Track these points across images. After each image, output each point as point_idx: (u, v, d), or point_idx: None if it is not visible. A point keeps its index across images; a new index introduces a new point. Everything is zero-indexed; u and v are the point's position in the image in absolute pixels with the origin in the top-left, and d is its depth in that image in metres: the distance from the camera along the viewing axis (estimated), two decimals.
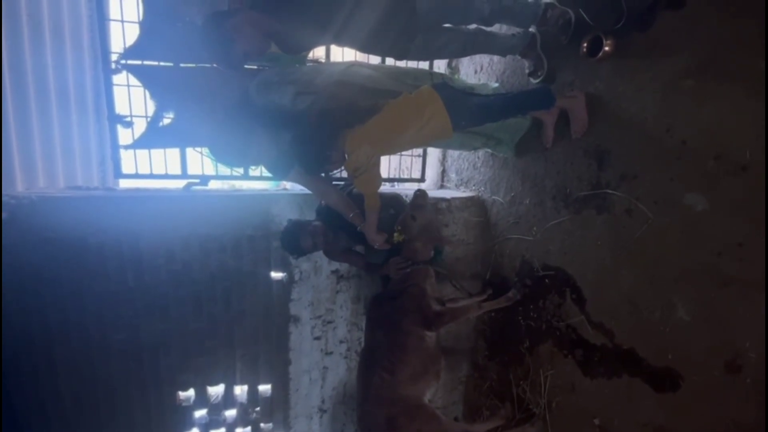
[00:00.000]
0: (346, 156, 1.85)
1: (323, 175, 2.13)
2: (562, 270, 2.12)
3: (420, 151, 3.19)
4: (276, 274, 2.64)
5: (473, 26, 2.00)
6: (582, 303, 2.02)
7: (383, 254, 2.27)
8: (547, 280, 2.22)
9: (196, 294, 2.48)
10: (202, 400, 2.61)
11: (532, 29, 2.11)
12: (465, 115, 1.84)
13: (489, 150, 2.43)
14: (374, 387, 2.00)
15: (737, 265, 1.43)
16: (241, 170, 2.69)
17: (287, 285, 2.63)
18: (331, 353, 2.82)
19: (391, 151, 2.08)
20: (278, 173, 2.13)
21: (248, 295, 2.57)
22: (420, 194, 2.16)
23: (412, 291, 2.08)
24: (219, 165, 2.78)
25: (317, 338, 2.77)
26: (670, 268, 1.63)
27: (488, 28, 2.05)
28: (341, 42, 1.86)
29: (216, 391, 2.68)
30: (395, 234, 2.10)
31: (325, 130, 1.79)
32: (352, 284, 2.75)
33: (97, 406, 2.42)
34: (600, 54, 1.77)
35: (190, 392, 2.62)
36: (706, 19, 1.49)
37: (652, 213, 1.67)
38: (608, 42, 1.73)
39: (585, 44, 1.82)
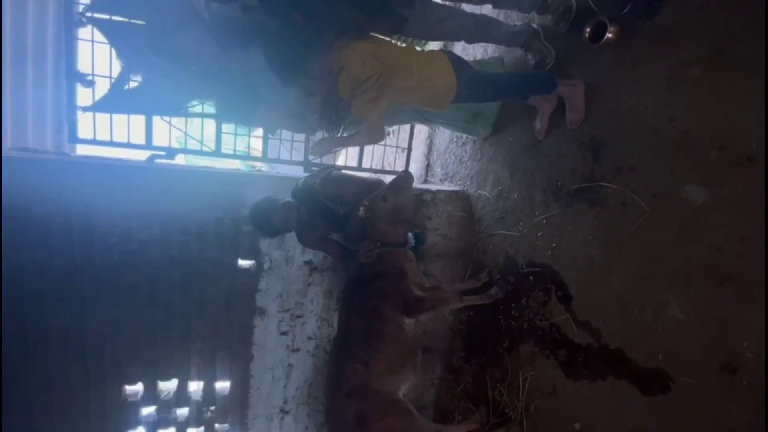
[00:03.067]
0: (342, 68, 1.59)
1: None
2: (548, 266, 2.03)
3: (405, 144, 3.09)
4: (243, 262, 2.45)
5: (476, 11, 1.92)
6: (568, 301, 1.93)
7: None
8: (531, 278, 2.13)
9: (152, 278, 2.27)
10: (151, 395, 2.37)
11: (534, 25, 2.04)
12: (469, 82, 1.73)
13: (469, 128, 2.35)
14: (346, 379, 1.84)
15: (737, 261, 1.37)
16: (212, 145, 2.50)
17: (255, 274, 2.45)
18: (297, 350, 2.63)
19: (390, 91, 1.74)
20: (241, 115, 1.96)
21: (211, 283, 2.37)
22: (404, 176, 2.01)
23: (392, 272, 1.93)
24: (189, 138, 2.59)
25: (284, 333, 2.59)
26: (665, 264, 1.56)
27: (491, 13, 1.97)
28: None
29: (167, 386, 2.45)
30: (360, 208, 1.96)
31: (314, 30, 1.52)
32: (325, 277, 2.59)
33: (29, 397, 2.15)
34: (602, 41, 1.71)
35: (138, 386, 2.38)
36: (714, 8, 1.46)
37: (649, 206, 1.60)
38: (612, 29, 1.68)
39: (588, 29, 1.76)
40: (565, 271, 1.96)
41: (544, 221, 2.07)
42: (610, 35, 1.69)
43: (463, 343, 2.63)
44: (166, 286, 2.29)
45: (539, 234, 2.10)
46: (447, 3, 1.86)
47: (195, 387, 2.49)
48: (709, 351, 1.44)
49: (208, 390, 2.48)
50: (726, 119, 1.41)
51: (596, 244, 1.82)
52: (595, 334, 1.82)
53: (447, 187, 2.73)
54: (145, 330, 2.28)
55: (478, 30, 1.96)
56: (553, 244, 2.02)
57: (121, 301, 2.23)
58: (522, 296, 2.18)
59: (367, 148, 3.02)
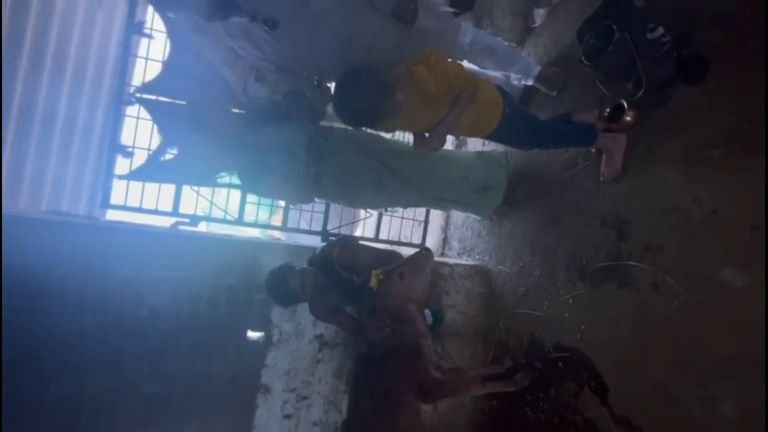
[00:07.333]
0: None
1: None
2: (578, 351, 1.87)
3: (422, 217, 3.10)
4: (252, 333, 2.35)
5: None
6: (603, 392, 1.74)
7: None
8: (560, 364, 1.95)
9: (158, 348, 2.18)
10: None
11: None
12: (516, 112, 1.78)
13: (477, 201, 2.43)
14: None
15: None
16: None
17: (263, 347, 2.33)
18: None
19: (439, 108, 1.74)
20: (251, 183, 2.07)
21: (217, 355, 2.26)
22: (424, 254, 1.96)
23: (406, 350, 1.79)
24: (215, 207, 2.68)
25: (287, 417, 2.39)
26: (708, 354, 1.42)
27: None
28: None
29: None
30: (373, 279, 1.88)
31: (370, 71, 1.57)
32: (335, 354, 2.45)
33: None
34: (620, 121, 1.75)
35: None
36: (726, 94, 1.49)
37: (683, 289, 1.50)
38: (630, 112, 1.72)
39: (606, 110, 1.81)
40: (598, 358, 1.80)
41: (571, 301, 1.95)
42: (627, 118, 1.73)
43: None
44: (171, 356, 2.19)
45: (566, 315, 1.97)
46: None
47: None
48: None
49: None
50: (755, 199, 1.37)
51: (629, 328, 1.68)
52: None
53: (465, 261, 2.67)
54: (142, 404, 2.14)
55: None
56: (582, 327, 1.88)
57: (123, 371, 2.12)
58: (551, 385, 1.99)
59: (384, 220, 3.04)
